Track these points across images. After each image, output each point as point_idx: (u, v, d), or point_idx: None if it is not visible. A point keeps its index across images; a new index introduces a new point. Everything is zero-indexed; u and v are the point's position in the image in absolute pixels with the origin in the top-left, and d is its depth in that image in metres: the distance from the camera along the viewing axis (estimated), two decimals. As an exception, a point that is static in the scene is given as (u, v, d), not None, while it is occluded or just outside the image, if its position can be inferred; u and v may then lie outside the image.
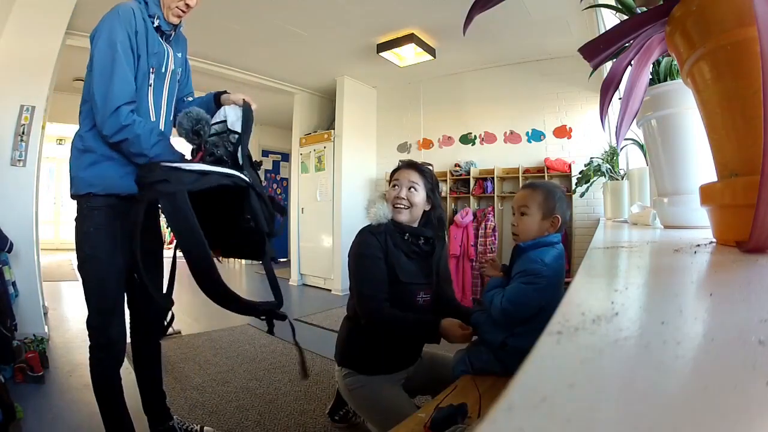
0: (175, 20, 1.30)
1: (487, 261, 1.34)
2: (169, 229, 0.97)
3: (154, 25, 1.26)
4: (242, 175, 1.10)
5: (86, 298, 1.24)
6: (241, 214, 1.13)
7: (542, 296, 1.08)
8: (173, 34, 1.35)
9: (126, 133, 1.13)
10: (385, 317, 1.23)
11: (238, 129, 1.20)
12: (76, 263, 1.24)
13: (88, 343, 1.26)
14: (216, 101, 1.38)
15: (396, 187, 1.35)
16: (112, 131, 1.13)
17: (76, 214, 1.26)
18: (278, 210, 1.21)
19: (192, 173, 0.97)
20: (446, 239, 1.44)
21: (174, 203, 0.92)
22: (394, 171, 1.41)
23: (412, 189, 1.33)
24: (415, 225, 1.36)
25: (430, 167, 1.46)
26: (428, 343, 1.27)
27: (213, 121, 1.21)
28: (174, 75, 1.36)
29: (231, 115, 1.22)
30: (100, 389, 1.27)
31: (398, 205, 1.32)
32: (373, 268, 1.26)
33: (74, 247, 1.25)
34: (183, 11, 1.29)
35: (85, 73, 1.22)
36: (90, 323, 1.24)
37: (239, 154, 1.17)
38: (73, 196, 1.25)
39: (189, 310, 3.54)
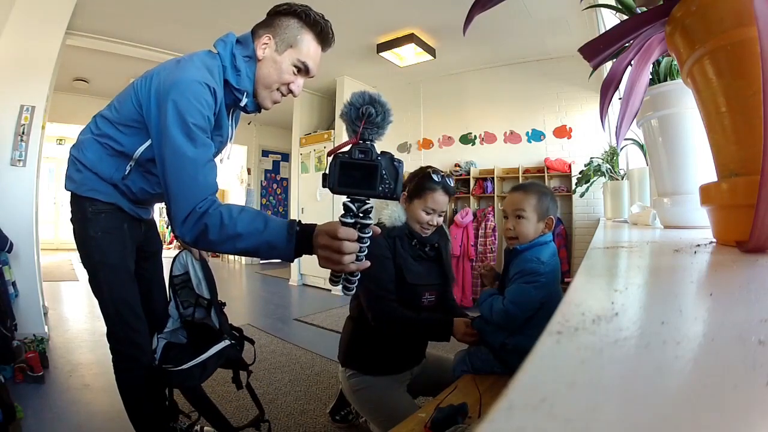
0: (269, 105, 1.10)
1: (487, 269, 1.36)
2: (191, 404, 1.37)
3: (242, 104, 1.04)
4: (227, 343, 1.26)
5: (105, 311, 1.10)
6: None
7: (542, 293, 1.09)
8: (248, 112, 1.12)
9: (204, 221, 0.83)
10: (397, 317, 1.23)
11: (205, 294, 1.32)
12: (88, 277, 1.11)
13: (111, 357, 1.13)
14: None
15: (430, 213, 1.28)
16: (188, 228, 0.83)
17: (75, 216, 1.10)
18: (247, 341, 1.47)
19: (197, 367, 1.18)
20: (448, 235, 1.45)
21: (196, 391, 1.33)
22: (429, 191, 1.27)
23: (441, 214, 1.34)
24: None
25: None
26: (439, 341, 1.27)
27: (175, 273, 1.35)
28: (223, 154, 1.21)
29: (193, 276, 1.34)
30: (137, 404, 1.15)
31: (428, 228, 1.31)
32: (383, 268, 1.26)
33: (78, 254, 1.11)
34: (284, 95, 1.09)
35: (126, 92, 1.03)
36: (116, 335, 1.11)
37: (213, 317, 1.31)
38: (73, 194, 1.09)
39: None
